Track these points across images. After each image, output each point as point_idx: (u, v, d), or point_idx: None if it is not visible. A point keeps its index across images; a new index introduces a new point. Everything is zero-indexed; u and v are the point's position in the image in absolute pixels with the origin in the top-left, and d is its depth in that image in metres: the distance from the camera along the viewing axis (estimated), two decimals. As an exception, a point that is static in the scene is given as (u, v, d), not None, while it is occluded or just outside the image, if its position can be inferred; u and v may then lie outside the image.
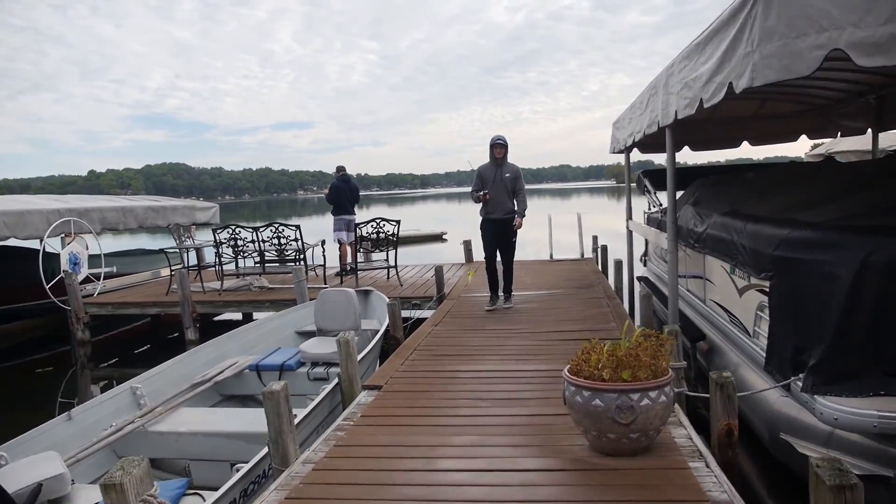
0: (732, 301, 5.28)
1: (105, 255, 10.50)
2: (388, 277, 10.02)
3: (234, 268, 10.12)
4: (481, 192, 6.59)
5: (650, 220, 9.92)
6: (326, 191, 10.85)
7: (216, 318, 10.07)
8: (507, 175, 6.72)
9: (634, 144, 7.94)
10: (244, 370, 5.73)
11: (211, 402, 5.60)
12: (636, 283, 9.36)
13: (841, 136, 9.99)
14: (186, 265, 10.26)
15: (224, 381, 5.59)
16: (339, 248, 10.45)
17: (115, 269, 10.63)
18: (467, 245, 11.81)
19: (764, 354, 4.41)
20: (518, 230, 6.83)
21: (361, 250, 9.78)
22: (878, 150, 9.32)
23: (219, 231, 9.16)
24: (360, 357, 5.17)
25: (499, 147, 6.74)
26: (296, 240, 9.03)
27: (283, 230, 8.97)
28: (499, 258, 6.94)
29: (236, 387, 5.77)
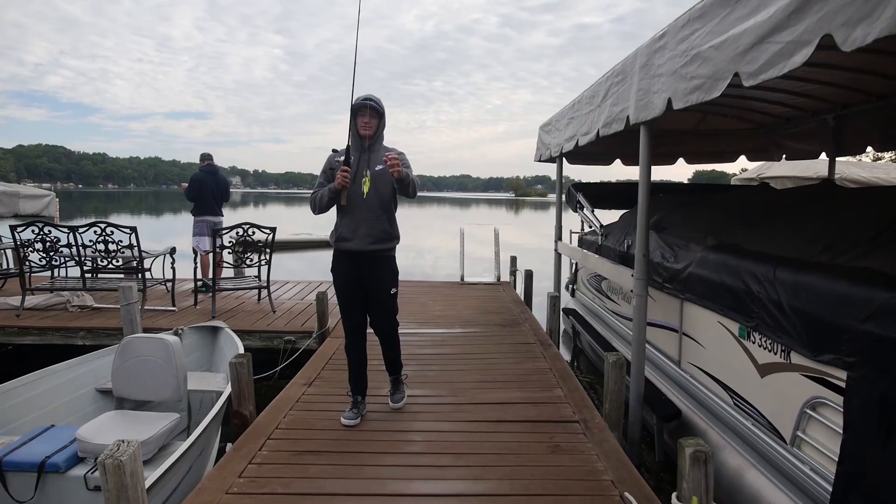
0: (743, 379, 3.64)
1: None
2: (258, 299, 7.85)
3: (50, 276, 7.59)
4: (335, 182, 3.66)
5: (583, 243, 8.35)
6: (186, 185, 8.52)
7: (17, 345, 7.44)
8: (380, 168, 3.71)
9: (574, 149, 6.27)
10: (-24, 470, 3.47)
11: None
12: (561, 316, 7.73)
13: (786, 158, 8.80)
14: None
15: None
16: (199, 258, 8.15)
17: None
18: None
19: (816, 480, 2.78)
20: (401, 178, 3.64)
21: (224, 264, 7.55)
22: (834, 177, 8.27)
23: (20, 229, 6.66)
24: (171, 460, 3.11)
25: (366, 113, 3.70)
26: (130, 246, 6.68)
27: (112, 232, 6.60)
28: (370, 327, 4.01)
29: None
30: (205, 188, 8.35)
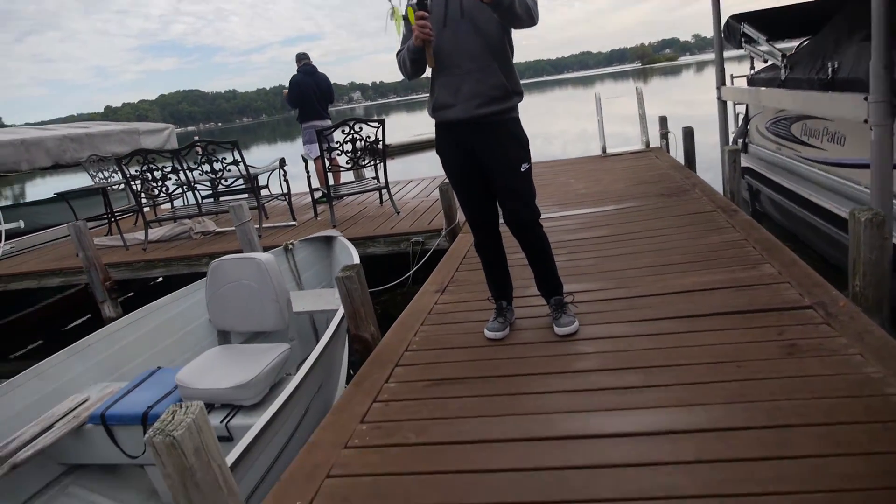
0: None
1: (7, 206, 7.78)
2: (381, 202, 7.13)
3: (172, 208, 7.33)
4: (412, 39, 2.61)
5: (756, 82, 6.72)
6: (286, 90, 7.79)
7: (155, 283, 7.34)
8: None
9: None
10: (85, 424, 3.04)
11: (16, 496, 2.96)
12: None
13: None
14: (110, 212, 7.47)
15: (56, 445, 2.95)
16: (313, 167, 7.48)
17: (21, 225, 7.93)
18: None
19: None
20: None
21: (340, 169, 6.84)
22: None
23: (126, 161, 6.28)
24: (273, 409, 2.44)
25: None
26: (235, 162, 6.11)
27: (213, 150, 6.04)
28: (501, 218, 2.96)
29: (77, 452, 3.12)
30: (306, 90, 7.60)
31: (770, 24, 6.49)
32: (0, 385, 3.16)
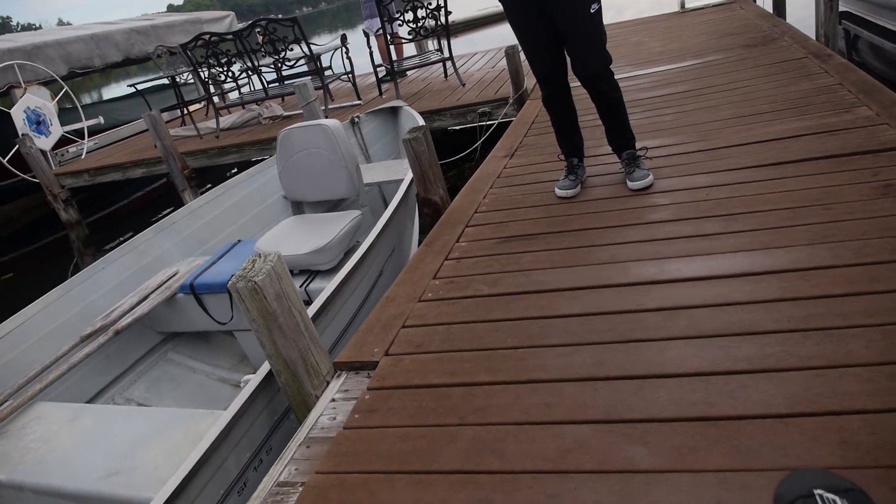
0: None
1: (87, 105, 8.07)
2: (445, 76, 6.93)
3: (237, 96, 7.39)
4: None
5: None
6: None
7: (231, 174, 7.55)
8: None
9: None
10: (176, 294, 3.25)
11: (123, 361, 3.24)
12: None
13: None
14: (181, 103, 7.60)
15: (152, 314, 3.19)
16: (375, 42, 7.26)
17: (101, 121, 8.21)
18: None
19: None
20: None
21: (402, 41, 6.63)
22: None
23: (191, 47, 6.29)
24: (348, 268, 2.53)
25: None
26: (297, 40, 6.01)
27: (274, 30, 5.94)
28: (571, 74, 2.78)
29: (172, 320, 3.36)
30: (364, -42, 7.28)
31: None
32: (97, 262, 3.39)
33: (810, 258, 1.96)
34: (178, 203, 6.39)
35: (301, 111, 5.55)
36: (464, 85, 6.19)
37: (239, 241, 3.53)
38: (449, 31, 6.16)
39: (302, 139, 3.32)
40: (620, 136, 2.90)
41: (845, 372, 1.46)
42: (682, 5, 7.84)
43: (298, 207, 3.74)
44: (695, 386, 1.54)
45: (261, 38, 6.07)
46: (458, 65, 6.63)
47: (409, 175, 3.22)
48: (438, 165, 3.09)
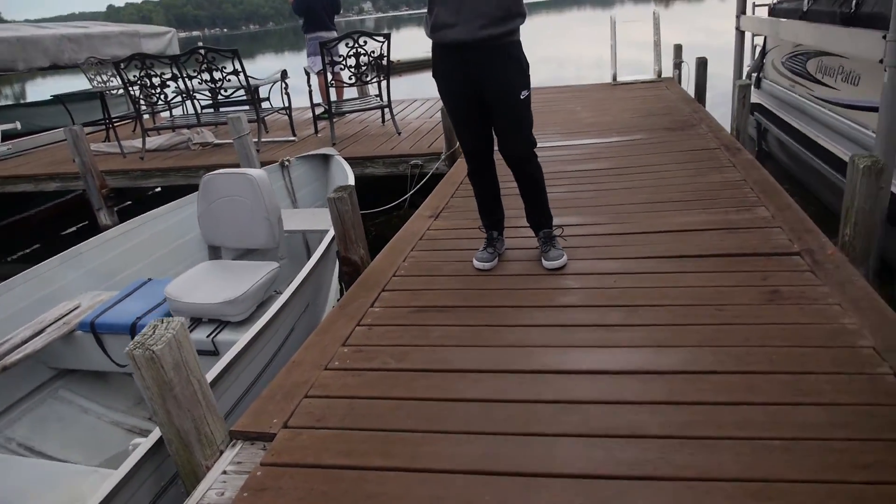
0: None
1: (4, 106, 7.67)
2: (383, 121, 7.01)
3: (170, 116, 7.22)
4: None
5: (777, 12, 6.46)
6: (292, -3, 7.52)
7: (153, 193, 7.31)
8: None
9: None
10: (74, 331, 3.11)
11: (7, 396, 3.06)
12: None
13: None
14: (108, 118, 7.34)
15: (46, 349, 3.03)
16: (318, 79, 7.28)
17: (17, 126, 7.83)
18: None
19: None
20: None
21: (334, 84, 6.67)
22: None
23: (123, 66, 6.13)
24: (258, 326, 2.49)
25: None
26: (235, 72, 5.96)
27: (213, 59, 5.88)
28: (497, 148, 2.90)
29: (67, 357, 3.20)
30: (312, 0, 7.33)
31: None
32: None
33: (697, 361, 2.08)
34: (92, 219, 6.13)
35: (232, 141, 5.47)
36: (399, 133, 6.28)
37: (150, 279, 3.42)
38: (389, 78, 6.25)
39: (225, 186, 3.28)
40: (539, 215, 3.02)
41: (713, 486, 1.56)
42: (615, 78, 8.26)
43: (215, 251, 3.68)
44: (577, 490, 1.60)
45: (200, 64, 5.98)
46: (396, 111, 6.73)
47: (332, 231, 3.23)
48: (361, 225, 3.12)
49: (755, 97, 6.88)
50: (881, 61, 3.23)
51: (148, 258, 3.77)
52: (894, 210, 3.31)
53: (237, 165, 5.60)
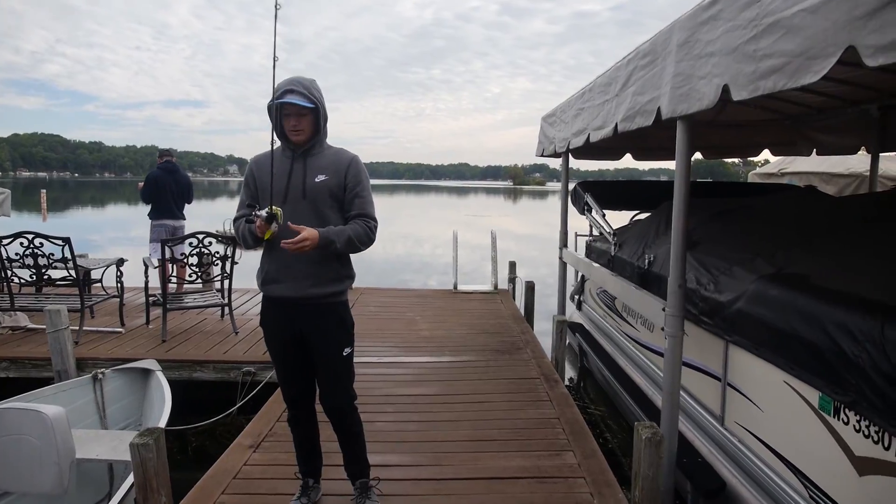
0: (829, 472, 2.66)
1: None
2: (221, 316, 6.87)
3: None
4: (256, 217, 2.55)
5: (592, 251, 7.37)
6: (141, 184, 7.51)
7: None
8: (322, 179, 2.68)
9: (584, 145, 5.32)
10: None
11: None
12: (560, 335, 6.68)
13: (816, 153, 7.82)
14: None
15: None
16: (158, 268, 7.09)
17: None
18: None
19: None
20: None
21: (174, 279, 6.54)
22: (876, 177, 7.25)
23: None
24: None
25: (293, 113, 2.63)
26: (63, 260, 5.68)
27: (41, 245, 5.60)
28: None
29: None
30: (163, 188, 7.37)
31: (610, 196, 7.21)
32: None
33: None
34: None
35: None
36: (236, 333, 6.15)
37: None
38: (232, 277, 6.24)
39: (14, 423, 2.97)
40: (355, 465, 3.01)
41: None
42: (455, 287, 8.82)
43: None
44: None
45: (24, 248, 5.65)
46: (240, 302, 6.64)
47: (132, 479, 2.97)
48: (167, 470, 2.91)
49: (577, 317, 7.60)
50: (662, 329, 3.73)
51: None
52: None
53: (48, 359, 5.17)
